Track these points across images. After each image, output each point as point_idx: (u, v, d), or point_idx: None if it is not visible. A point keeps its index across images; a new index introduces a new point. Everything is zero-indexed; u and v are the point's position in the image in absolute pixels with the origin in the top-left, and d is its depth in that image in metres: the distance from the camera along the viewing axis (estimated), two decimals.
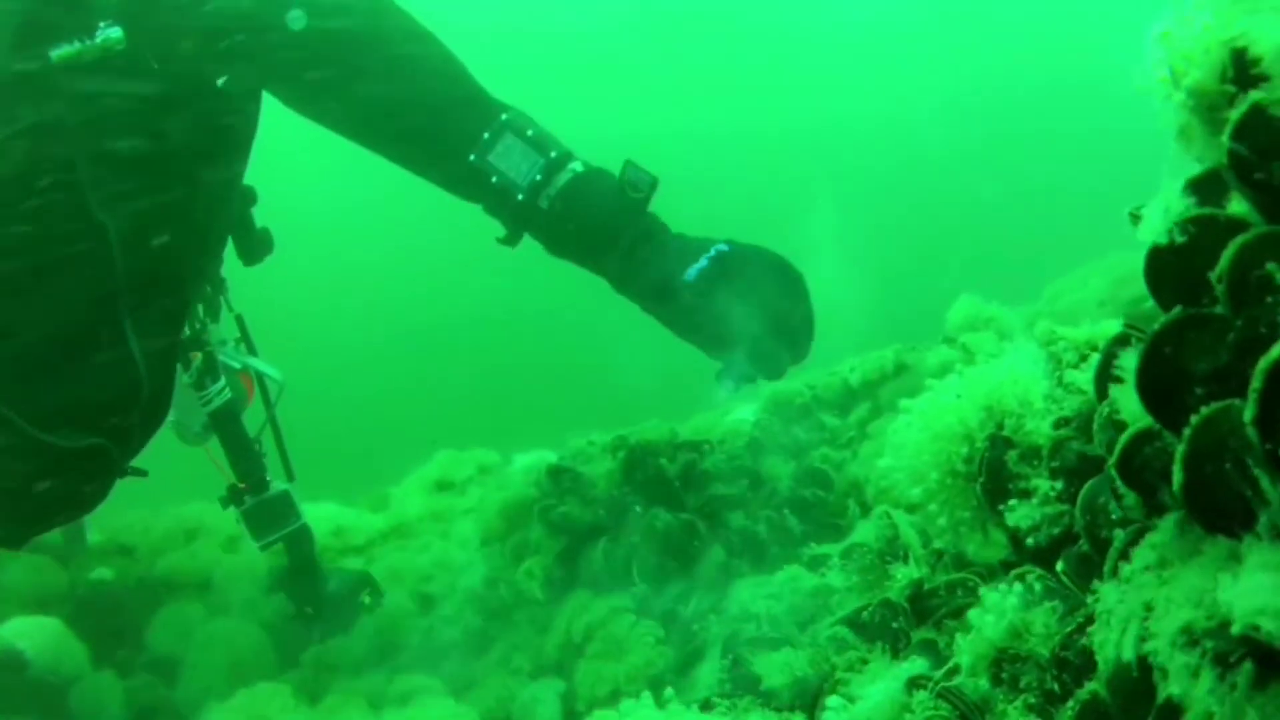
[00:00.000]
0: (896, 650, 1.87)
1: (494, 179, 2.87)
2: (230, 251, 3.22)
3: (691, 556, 2.60)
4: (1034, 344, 1.65)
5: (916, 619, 2.01)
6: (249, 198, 3.15)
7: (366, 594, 3.66)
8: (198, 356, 3.22)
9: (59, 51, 2.54)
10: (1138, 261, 4.03)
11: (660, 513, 2.63)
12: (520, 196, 2.86)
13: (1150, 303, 1.32)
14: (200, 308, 3.24)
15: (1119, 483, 1.18)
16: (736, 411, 3.56)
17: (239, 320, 3.38)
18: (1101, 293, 4.93)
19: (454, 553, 3.78)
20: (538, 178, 2.86)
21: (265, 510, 3.39)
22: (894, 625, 1.92)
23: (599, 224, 2.87)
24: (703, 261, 2.80)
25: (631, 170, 2.86)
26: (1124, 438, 1.14)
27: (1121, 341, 1.38)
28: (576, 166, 2.92)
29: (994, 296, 3.89)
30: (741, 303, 2.77)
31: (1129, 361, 1.20)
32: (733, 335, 2.79)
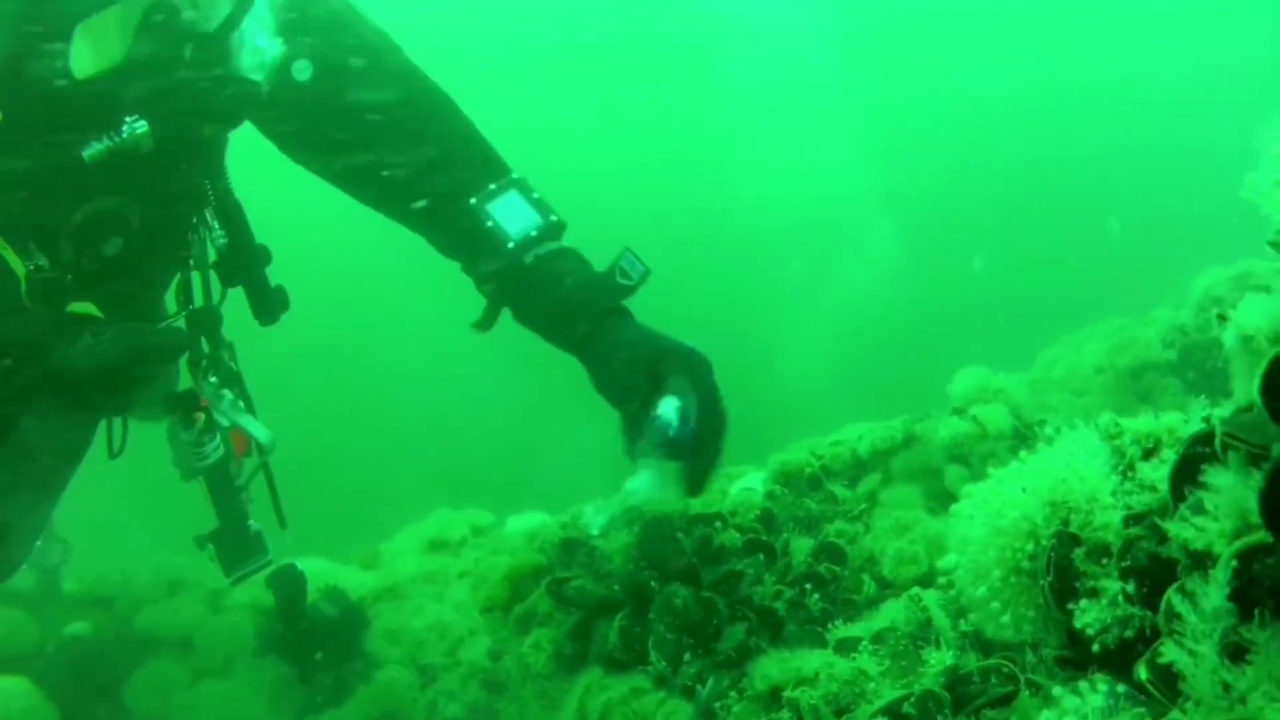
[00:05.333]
0: None
1: (488, 224, 2.87)
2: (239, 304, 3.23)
3: (710, 634, 2.52)
4: (1094, 435, 1.61)
5: (955, 707, 1.96)
6: (263, 257, 3.15)
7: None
8: (200, 418, 3.22)
9: (89, 151, 2.58)
10: (1134, 328, 4.01)
11: (678, 589, 2.56)
12: (510, 245, 2.85)
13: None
14: (204, 365, 3.27)
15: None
16: (742, 481, 3.52)
17: (238, 378, 3.37)
18: (1099, 359, 4.97)
19: (449, 616, 3.69)
20: (532, 234, 2.87)
21: (239, 548, 3.45)
22: (938, 718, 1.86)
23: (573, 294, 2.83)
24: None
25: (627, 258, 2.86)
26: (1231, 549, 1.10)
27: (1203, 441, 1.35)
28: (566, 244, 2.94)
29: (983, 362, 3.88)
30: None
31: (1220, 479, 1.17)
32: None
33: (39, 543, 3.63)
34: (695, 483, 2.69)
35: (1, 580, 3.03)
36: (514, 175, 2.97)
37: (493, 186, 2.92)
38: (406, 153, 2.97)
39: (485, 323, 2.98)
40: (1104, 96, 15.07)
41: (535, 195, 2.93)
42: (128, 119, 2.61)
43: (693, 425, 2.59)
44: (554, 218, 2.91)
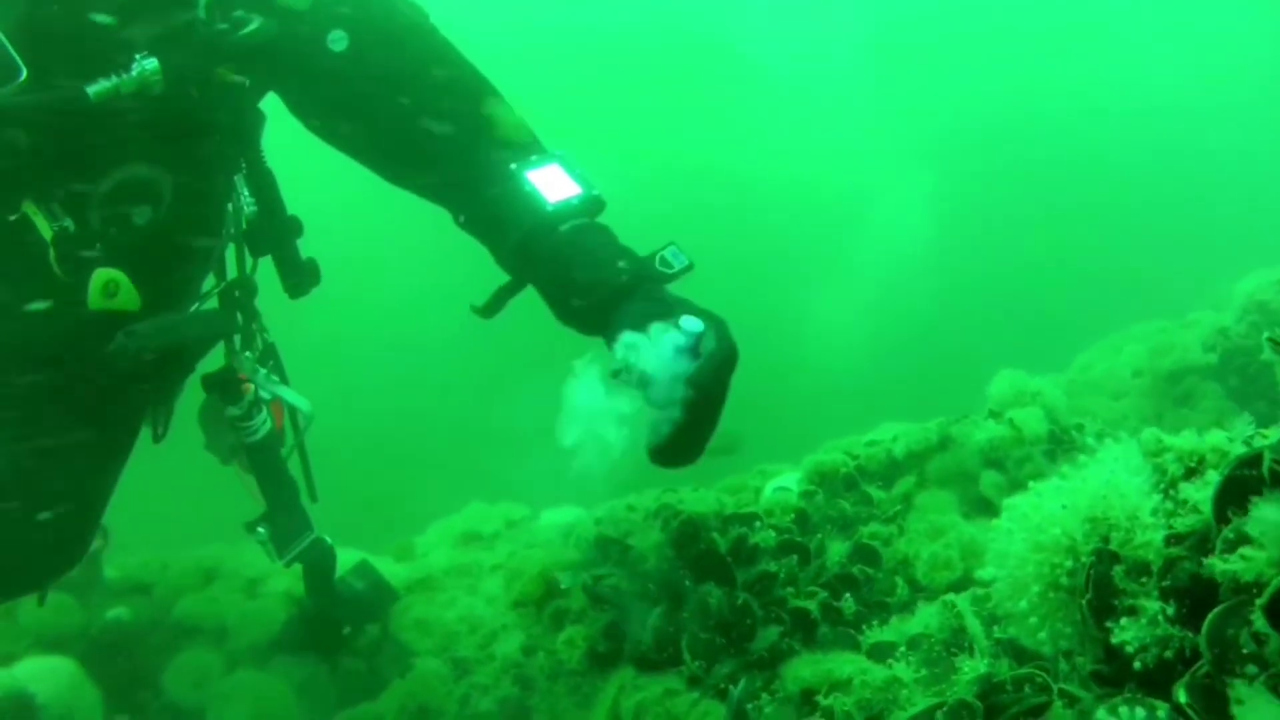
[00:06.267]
0: None
1: (526, 187, 2.73)
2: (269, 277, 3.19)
3: (743, 635, 2.53)
4: (1136, 451, 1.60)
5: (987, 716, 1.96)
6: (294, 228, 3.09)
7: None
8: (250, 389, 3.19)
9: (95, 87, 2.51)
10: (1174, 331, 3.95)
11: (713, 589, 2.58)
12: (548, 208, 2.69)
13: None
14: (237, 339, 3.23)
15: (1264, 624, 1.13)
16: (776, 480, 3.51)
17: (272, 349, 3.34)
18: (1138, 361, 4.91)
19: (481, 609, 3.72)
20: (573, 203, 2.72)
21: (291, 526, 3.43)
22: None
23: (602, 268, 2.60)
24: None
25: (672, 249, 2.69)
26: (1278, 580, 1.09)
27: (1249, 463, 1.34)
28: (606, 224, 2.79)
29: (1013, 360, 3.85)
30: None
31: (1268, 511, 1.17)
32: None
33: None
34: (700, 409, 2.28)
35: (71, 566, 3.00)
36: (559, 151, 2.86)
37: (534, 157, 2.81)
38: (441, 126, 2.86)
39: (493, 305, 2.82)
40: (1147, 98, 14.93)
41: (579, 171, 2.81)
42: (138, 56, 2.54)
43: (713, 347, 2.31)
44: (595, 192, 2.76)
